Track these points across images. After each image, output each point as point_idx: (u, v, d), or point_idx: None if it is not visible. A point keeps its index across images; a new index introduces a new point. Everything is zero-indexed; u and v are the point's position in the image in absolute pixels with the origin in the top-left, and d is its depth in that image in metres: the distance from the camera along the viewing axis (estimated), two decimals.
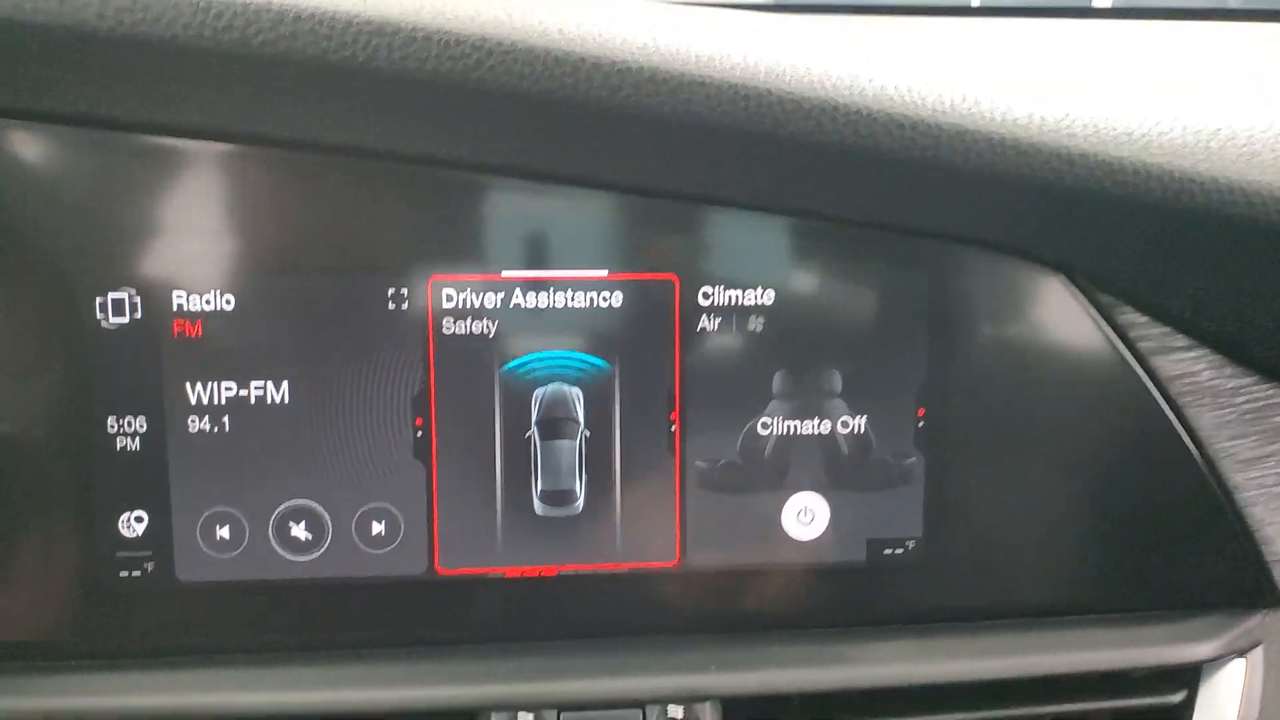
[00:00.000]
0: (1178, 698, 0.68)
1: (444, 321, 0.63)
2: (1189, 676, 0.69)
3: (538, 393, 0.65)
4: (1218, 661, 0.69)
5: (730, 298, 0.65)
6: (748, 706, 0.65)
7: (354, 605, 0.65)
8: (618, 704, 0.63)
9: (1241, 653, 0.69)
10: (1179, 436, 0.67)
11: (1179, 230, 0.61)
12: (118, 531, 0.63)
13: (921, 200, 0.61)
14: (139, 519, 0.63)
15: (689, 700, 0.63)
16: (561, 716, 0.63)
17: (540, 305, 0.64)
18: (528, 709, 0.63)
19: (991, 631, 0.68)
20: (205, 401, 0.63)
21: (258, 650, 0.65)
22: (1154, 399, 0.67)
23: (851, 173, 0.59)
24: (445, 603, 0.65)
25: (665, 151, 0.58)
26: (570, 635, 0.66)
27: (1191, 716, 0.68)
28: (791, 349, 0.65)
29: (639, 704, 0.63)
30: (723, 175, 0.59)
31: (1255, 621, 0.70)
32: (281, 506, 0.64)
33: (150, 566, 0.64)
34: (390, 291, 0.63)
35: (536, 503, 0.66)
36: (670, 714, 0.63)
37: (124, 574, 0.63)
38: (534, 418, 0.65)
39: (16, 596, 0.63)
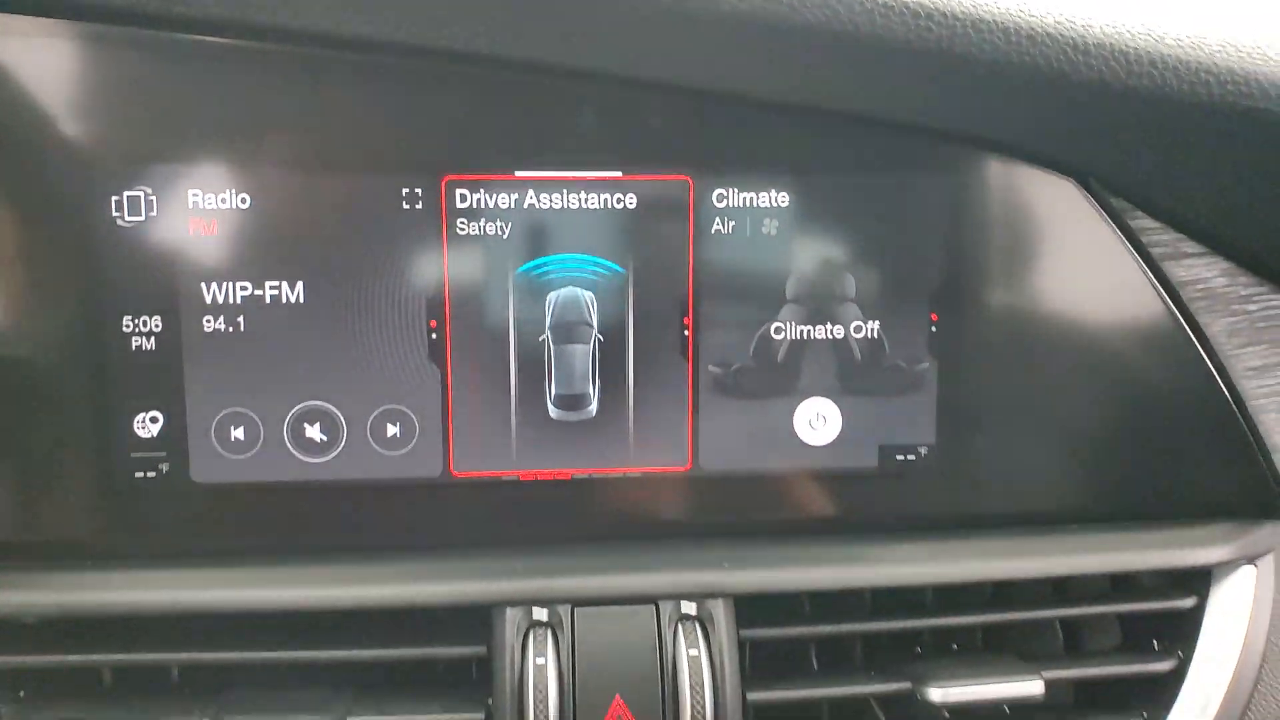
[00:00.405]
0: (1189, 603, 0.68)
1: (458, 222, 0.63)
2: (1199, 583, 0.69)
3: (551, 296, 0.65)
4: (1228, 567, 0.69)
5: (745, 200, 0.65)
6: (759, 607, 0.65)
7: (369, 507, 0.65)
8: (631, 600, 0.63)
9: (1252, 559, 0.69)
10: (1190, 343, 0.67)
11: (1193, 126, 0.61)
12: (133, 432, 0.63)
13: (936, 95, 0.61)
14: (154, 419, 0.64)
15: (701, 597, 0.63)
16: (575, 612, 0.63)
17: (554, 206, 0.64)
18: (541, 605, 0.63)
19: (1002, 535, 0.68)
20: (220, 301, 0.63)
21: (272, 551, 0.65)
22: (1166, 305, 0.67)
23: (867, 64, 0.59)
24: (460, 505, 0.66)
25: (680, 43, 0.58)
26: (584, 537, 0.67)
27: (1202, 622, 0.68)
28: (805, 253, 0.66)
29: (652, 600, 0.63)
30: (737, 66, 0.59)
31: (1266, 530, 0.70)
32: (296, 408, 0.64)
33: (165, 467, 0.64)
34: (404, 191, 0.63)
35: (550, 407, 0.66)
36: (683, 610, 0.63)
37: (139, 475, 0.64)
38: (548, 322, 0.65)
39: (35, 498, 0.63)
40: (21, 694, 0.63)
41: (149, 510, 0.64)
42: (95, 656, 0.63)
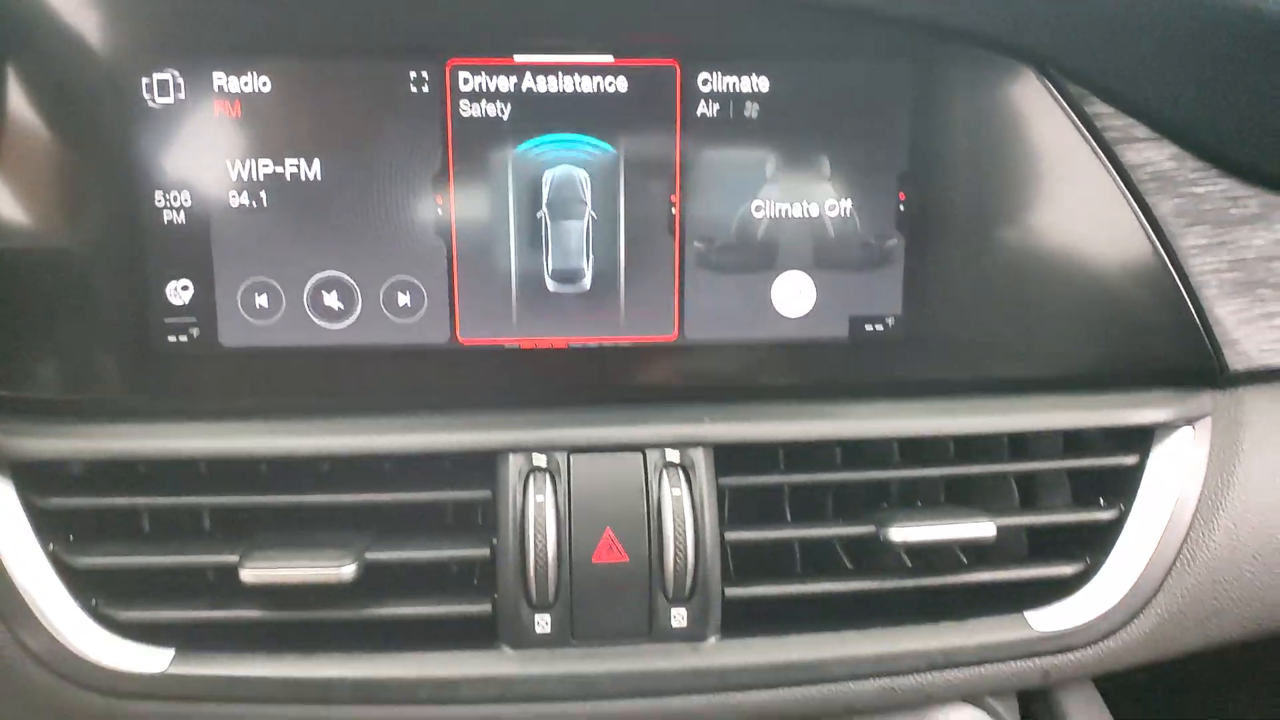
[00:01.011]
0: (1131, 460, 0.75)
1: (461, 104, 0.69)
2: (1141, 443, 0.76)
3: (548, 174, 0.70)
4: (1168, 429, 0.75)
5: (728, 84, 0.70)
6: (738, 462, 0.72)
7: (383, 370, 0.71)
8: (621, 448, 0.70)
9: (1190, 422, 0.76)
10: (1139, 222, 0.73)
11: (1140, 14, 0.66)
12: (165, 299, 0.69)
13: None
14: (184, 287, 0.70)
15: (684, 446, 0.70)
16: (571, 458, 0.69)
17: (550, 90, 0.69)
18: (540, 451, 0.69)
19: (964, 397, 0.74)
20: (244, 178, 0.68)
21: (295, 410, 0.71)
22: (1117, 186, 0.72)
23: None
24: (466, 369, 0.72)
25: None
26: (579, 400, 0.73)
27: (1142, 478, 0.75)
28: (784, 135, 0.71)
29: (640, 448, 0.70)
30: None
31: (1205, 398, 0.77)
32: (315, 277, 0.70)
33: (196, 332, 0.70)
34: (411, 75, 0.68)
35: (548, 279, 0.72)
36: (668, 458, 0.70)
37: (172, 339, 0.70)
38: (545, 198, 0.71)
39: (78, 360, 0.69)
40: (71, 537, 0.70)
41: (182, 372, 0.70)
42: (136, 500, 0.69)
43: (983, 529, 0.70)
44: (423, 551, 0.69)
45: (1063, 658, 0.73)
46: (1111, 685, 0.86)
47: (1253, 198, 0.75)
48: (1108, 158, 0.72)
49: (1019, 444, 0.77)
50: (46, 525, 0.69)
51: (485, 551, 0.69)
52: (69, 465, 0.70)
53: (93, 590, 0.69)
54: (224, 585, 0.70)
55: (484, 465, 0.70)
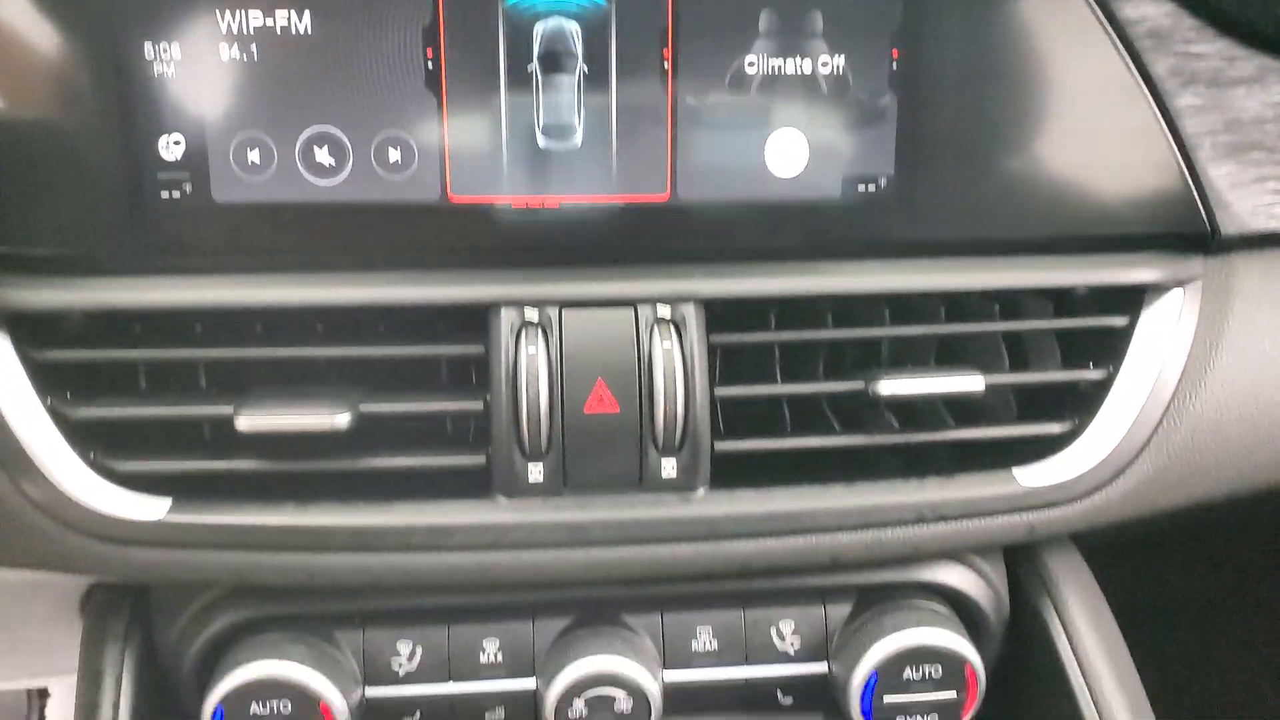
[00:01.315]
0: (1121, 321, 0.75)
1: None
2: (1132, 305, 0.76)
3: (538, 27, 0.70)
4: (1158, 291, 0.76)
5: None
6: (729, 320, 0.72)
7: (375, 227, 0.71)
8: (612, 304, 0.70)
9: (1180, 284, 0.76)
10: (1134, 81, 0.73)
11: None
12: (158, 153, 0.69)
13: None
14: (176, 142, 0.69)
15: (674, 301, 0.71)
16: (563, 313, 0.70)
17: None
18: (532, 306, 0.70)
19: (956, 257, 0.74)
20: (235, 30, 0.68)
21: (287, 266, 0.71)
22: (1114, 45, 0.72)
23: None
24: (457, 227, 0.72)
25: None
26: (570, 260, 0.73)
27: (1131, 340, 0.75)
28: None
29: (630, 303, 0.70)
30: None
31: (1196, 261, 0.77)
32: (306, 132, 0.70)
33: (188, 188, 0.70)
34: None
35: (539, 135, 0.72)
36: (659, 313, 0.71)
37: (165, 194, 0.70)
38: (535, 52, 0.70)
39: (71, 214, 0.69)
40: (69, 393, 0.71)
41: (175, 227, 0.70)
42: (132, 353, 0.70)
43: (971, 382, 0.71)
44: (417, 404, 0.70)
45: (1048, 513, 0.75)
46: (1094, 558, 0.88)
47: (1249, 59, 0.75)
48: (1104, 13, 0.71)
49: (1009, 307, 0.78)
50: (45, 379, 0.69)
51: (479, 404, 0.70)
52: (65, 320, 0.71)
53: (91, 442, 0.70)
54: (220, 438, 0.71)
55: (476, 321, 0.71)
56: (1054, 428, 0.75)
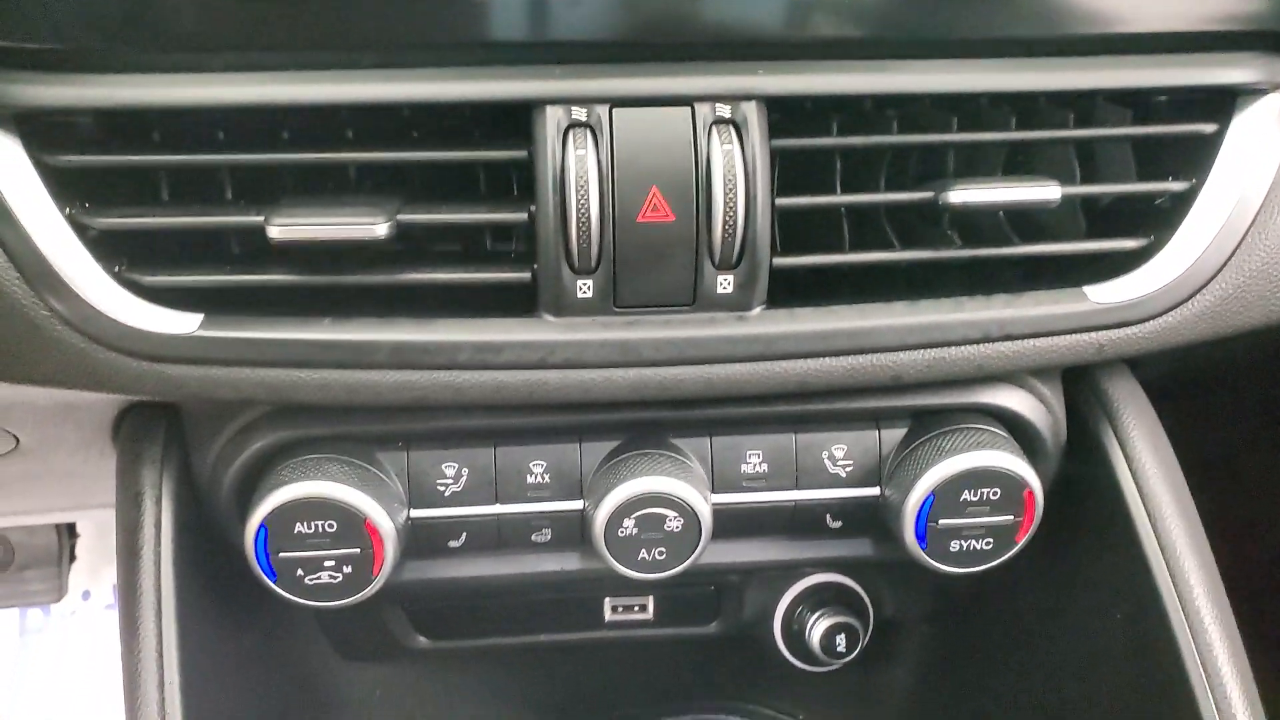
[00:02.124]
0: (1210, 128, 0.70)
1: None
2: (1222, 110, 0.70)
3: None
4: (1254, 93, 0.70)
5: None
6: (791, 126, 0.67)
7: (408, 15, 0.64)
8: (667, 101, 0.65)
9: (1278, 87, 0.70)
10: None
11: None
12: None
13: None
14: None
15: (735, 99, 0.65)
16: (613, 112, 0.64)
17: None
18: (580, 104, 0.64)
19: (1030, 56, 0.68)
20: None
21: (312, 64, 0.65)
22: None
23: None
24: (496, 16, 0.64)
25: None
26: (620, 56, 0.67)
27: (1220, 148, 0.70)
28: None
29: (687, 101, 0.65)
30: None
31: None
32: None
33: None
34: None
35: None
36: (718, 113, 0.65)
37: None
38: None
39: (80, 2, 0.63)
40: (88, 202, 0.66)
41: (189, 16, 0.64)
42: (151, 158, 0.65)
43: (1047, 191, 0.66)
44: (459, 214, 0.66)
45: (1119, 332, 0.71)
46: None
47: None
48: None
49: (1084, 114, 0.72)
50: (61, 186, 0.65)
51: (524, 215, 0.65)
52: (78, 123, 0.66)
53: (115, 255, 0.66)
54: (251, 250, 0.68)
55: (520, 123, 0.66)
56: (1129, 243, 0.71)
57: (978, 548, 0.74)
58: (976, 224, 0.73)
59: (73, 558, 1.81)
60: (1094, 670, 0.84)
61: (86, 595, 1.93)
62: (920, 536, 0.74)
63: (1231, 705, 0.71)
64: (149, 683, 0.72)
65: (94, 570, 1.91)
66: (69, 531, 1.79)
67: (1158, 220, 0.72)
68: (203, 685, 0.74)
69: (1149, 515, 0.75)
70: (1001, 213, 0.73)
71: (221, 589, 0.79)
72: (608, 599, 0.93)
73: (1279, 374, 1.08)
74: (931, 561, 0.75)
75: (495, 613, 0.92)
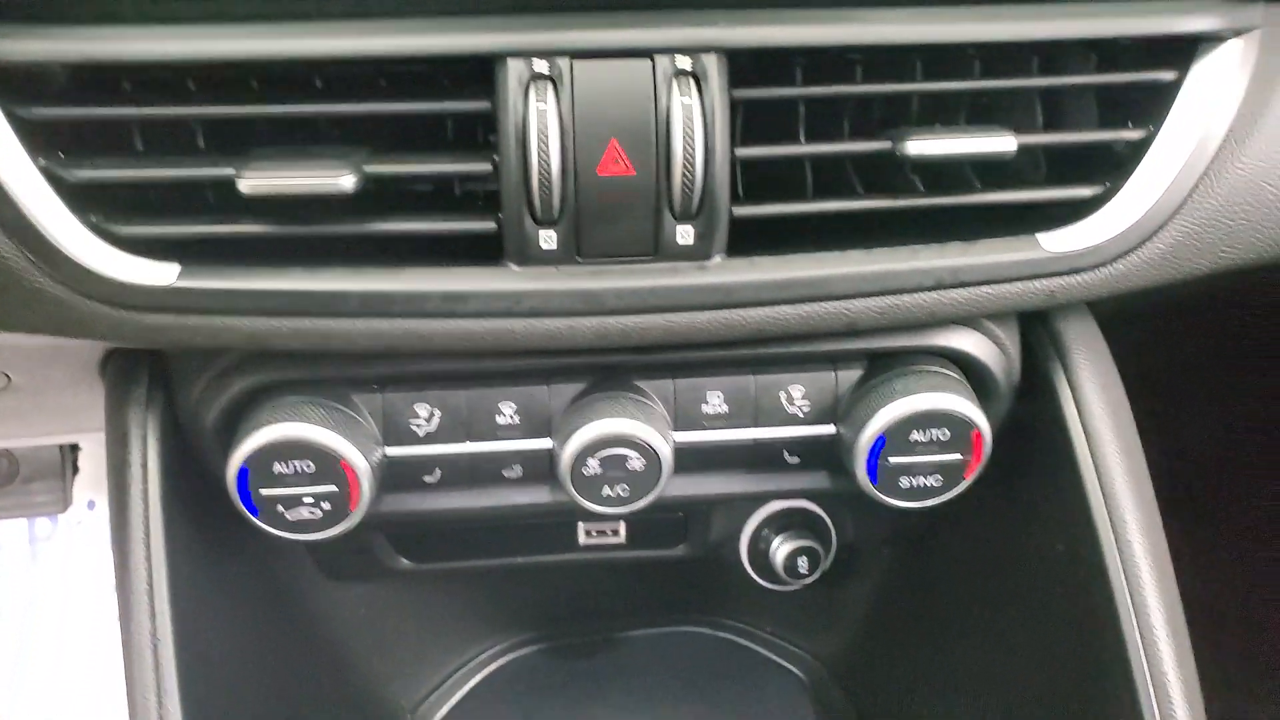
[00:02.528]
0: (1168, 75, 0.71)
1: None
2: (1182, 57, 0.71)
3: None
4: (1213, 40, 0.70)
5: None
6: (752, 75, 0.68)
7: None
8: (628, 53, 0.65)
9: (1239, 34, 0.70)
10: None
11: None
12: None
13: None
14: None
15: (695, 51, 0.66)
16: (574, 64, 0.65)
17: None
18: (542, 56, 0.65)
19: (996, 4, 0.68)
20: None
21: (280, 15, 0.66)
22: None
23: None
24: None
25: None
26: (581, 6, 0.67)
27: (1177, 95, 0.71)
28: None
29: (648, 53, 0.66)
30: None
31: (1257, 8, 0.71)
32: None
33: None
34: None
35: None
36: (678, 65, 0.66)
37: None
38: None
39: None
40: (61, 154, 0.68)
41: None
42: (123, 110, 0.66)
43: (1003, 143, 0.67)
44: (423, 165, 0.67)
45: (1070, 279, 0.73)
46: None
47: None
48: None
49: (1049, 62, 0.72)
50: (34, 138, 0.66)
51: (487, 165, 0.67)
52: (49, 76, 0.67)
53: (90, 206, 0.67)
54: (224, 202, 0.69)
55: (483, 75, 0.66)
56: (1084, 191, 0.72)
57: (926, 484, 0.78)
58: (940, 170, 0.74)
59: (75, 470, 1.86)
60: (1035, 599, 0.88)
61: (91, 505, 2.00)
62: (872, 473, 0.77)
63: (1155, 632, 0.75)
64: (140, 609, 0.76)
65: (97, 481, 1.97)
66: (71, 449, 1.84)
67: (1114, 166, 0.73)
68: (192, 608, 0.79)
69: (1092, 454, 0.79)
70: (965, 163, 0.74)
71: (208, 520, 0.83)
72: (581, 524, 0.97)
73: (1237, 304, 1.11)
74: (882, 496, 0.78)
75: (474, 537, 0.97)
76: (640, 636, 1.17)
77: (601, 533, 0.97)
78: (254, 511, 0.74)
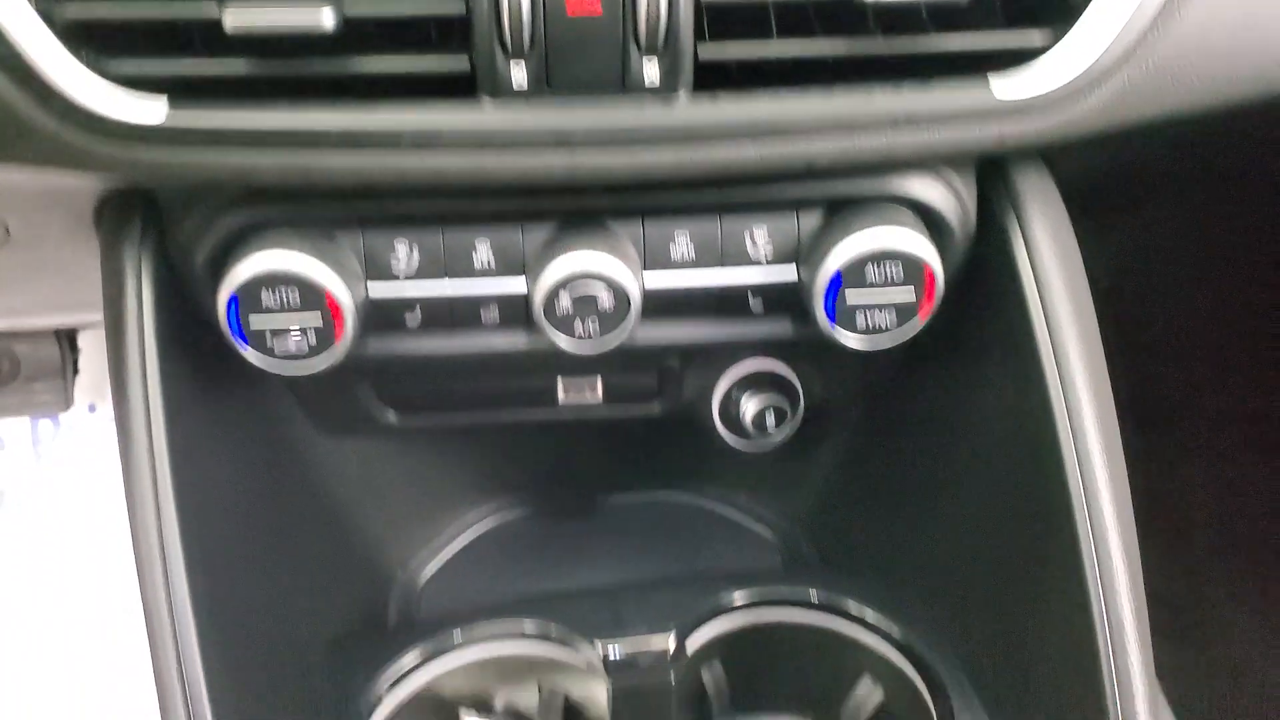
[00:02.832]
0: None
1: None
2: None
3: None
4: None
5: None
6: None
7: None
8: None
9: None
10: None
11: None
12: None
13: None
14: None
15: None
16: None
17: None
18: None
19: None
20: None
21: None
22: None
23: None
24: None
25: None
26: None
27: None
28: None
29: None
30: None
31: None
32: None
33: None
34: None
35: None
36: None
37: None
38: None
39: None
40: None
41: None
42: None
43: None
44: (400, 5, 0.70)
45: (1020, 123, 0.76)
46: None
47: None
48: None
49: None
50: None
51: (461, 7, 0.70)
52: None
53: (83, 42, 0.70)
54: (210, 40, 0.72)
55: None
56: (1034, 36, 0.75)
57: (882, 323, 0.82)
58: (898, 19, 0.77)
59: (75, 371, 1.91)
60: (986, 446, 0.93)
61: (92, 408, 2.05)
62: (830, 311, 0.81)
63: (1092, 459, 0.80)
64: (139, 449, 0.80)
65: (97, 386, 2.02)
66: (71, 345, 1.88)
67: (1068, 14, 0.76)
68: (189, 446, 0.83)
69: (1039, 291, 0.83)
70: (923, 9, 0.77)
71: (203, 362, 0.87)
72: (561, 381, 1.01)
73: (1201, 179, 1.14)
74: (842, 333, 0.82)
75: (459, 394, 1.01)
76: (621, 504, 1.22)
77: (580, 389, 1.02)
78: (244, 341, 0.78)
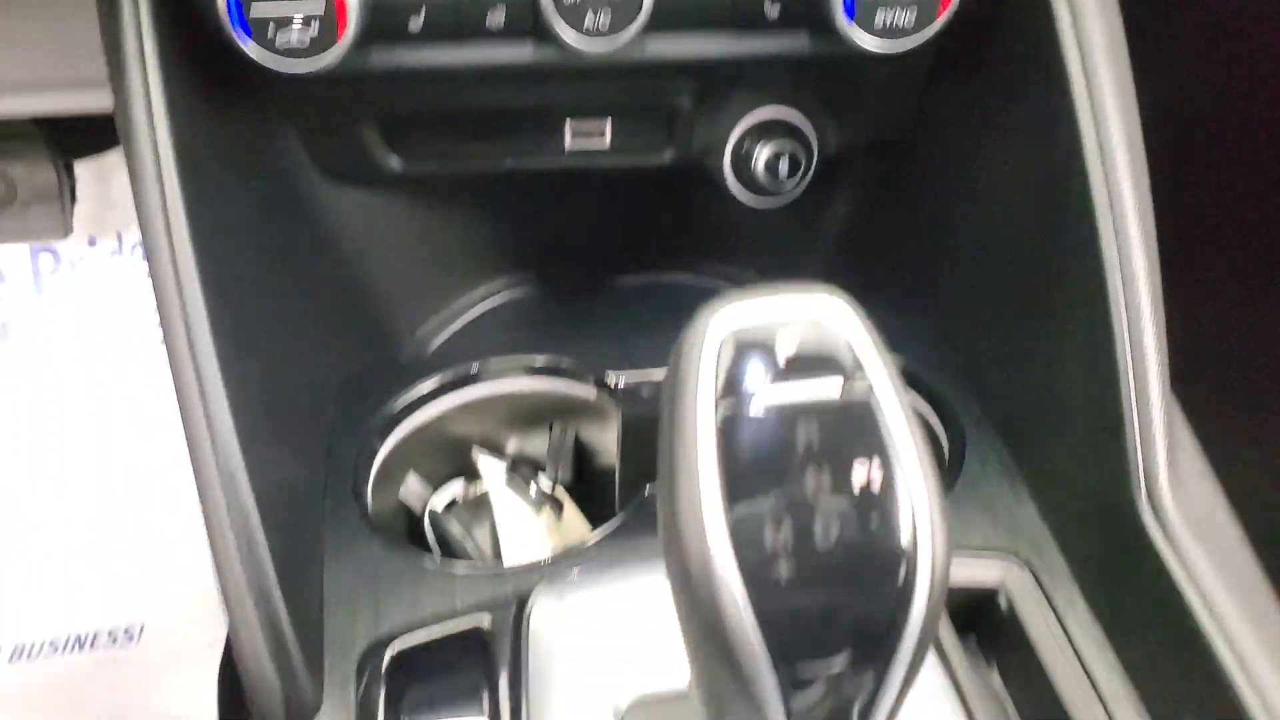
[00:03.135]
0: None
1: None
2: None
3: None
4: None
5: None
6: None
7: None
8: None
9: None
10: None
11: None
12: None
13: None
14: None
15: None
16: None
17: None
18: None
19: None
20: None
21: None
22: None
23: None
24: None
25: None
26: None
27: None
28: None
29: None
30: None
31: None
32: None
33: None
34: None
35: None
36: None
37: None
38: None
39: None
40: None
41: None
42: None
43: None
44: None
45: None
46: None
47: None
48: None
49: None
50: None
51: None
52: None
53: None
54: None
55: None
56: None
57: (901, 21, 0.79)
58: None
59: (74, 199, 1.88)
60: (1008, 185, 0.91)
61: (93, 241, 2.02)
62: (849, 7, 0.79)
63: (1122, 193, 0.78)
64: (148, 173, 0.78)
65: (97, 217, 2.00)
66: (68, 172, 1.84)
67: None
68: (198, 177, 0.81)
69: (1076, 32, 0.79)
70: None
71: (207, 89, 0.85)
72: (569, 120, 0.99)
73: None
74: (860, 34, 0.80)
75: (464, 134, 0.99)
76: (631, 284, 1.21)
77: (588, 134, 1.00)
78: (246, 31, 0.76)
